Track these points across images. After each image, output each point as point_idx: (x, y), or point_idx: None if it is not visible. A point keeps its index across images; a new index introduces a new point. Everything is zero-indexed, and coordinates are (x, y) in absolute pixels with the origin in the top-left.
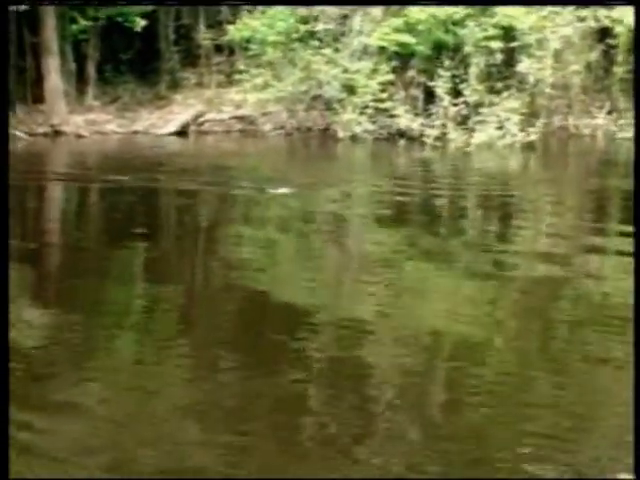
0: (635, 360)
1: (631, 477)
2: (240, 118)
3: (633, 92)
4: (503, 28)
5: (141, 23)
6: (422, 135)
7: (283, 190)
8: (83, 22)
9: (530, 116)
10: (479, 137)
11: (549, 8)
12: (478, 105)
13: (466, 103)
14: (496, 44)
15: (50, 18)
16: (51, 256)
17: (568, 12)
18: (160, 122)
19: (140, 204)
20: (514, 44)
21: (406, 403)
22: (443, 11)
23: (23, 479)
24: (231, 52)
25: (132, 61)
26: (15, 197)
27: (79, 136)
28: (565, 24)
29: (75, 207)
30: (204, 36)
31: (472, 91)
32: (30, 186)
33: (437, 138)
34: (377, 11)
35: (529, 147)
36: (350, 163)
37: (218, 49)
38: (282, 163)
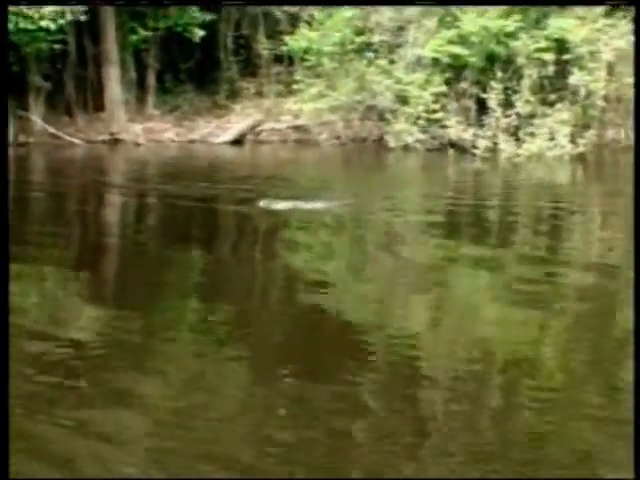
0: (635, 360)
1: (631, 477)
2: (296, 128)
3: (634, 95)
4: (555, 40)
5: (200, 34)
6: (473, 146)
7: (335, 202)
8: (143, 32)
9: (581, 128)
10: (529, 148)
11: (603, 21)
12: (530, 116)
13: (518, 114)
14: (548, 56)
15: (110, 28)
16: (111, 261)
17: (623, 24)
18: (217, 131)
19: (195, 213)
20: (566, 56)
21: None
22: (495, 23)
23: (23, 479)
24: (290, 62)
25: (192, 71)
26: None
27: (136, 144)
28: (619, 37)
29: (129, 214)
30: (263, 46)
31: (524, 102)
32: (77, 193)
33: (488, 149)
34: (431, 23)
35: (578, 159)
36: (401, 173)
37: (278, 59)
38: (336, 172)
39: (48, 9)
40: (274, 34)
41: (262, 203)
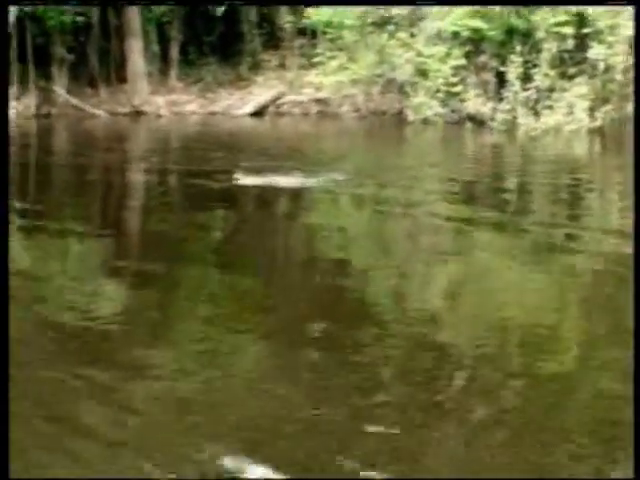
0: (635, 360)
1: (631, 477)
2: (318, 100)
3: (633, 91)
4: (575, 14)
5: (222, 7)
6: (491, 119)
7: (323, 178)
8: (166, 5)
9: (600, 102)
10: (547, 122)
11: None
12: (549, 90)
13: (537, 88)
14: (568, 30)
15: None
16: (134, 230)
17: None
18: (239, 103)
19: (214, 187)
20: (586, 30)
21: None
22: None
23: (23, 479)
24: (313, 35)
25: (215, 43)
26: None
27: (158, 116)
28: None
29: (146, 185)
30: (285, 19)
31: (543, 76)
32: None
33: (506, 122)
34: None
35: (596, 132)
36: (417, 147)
37: (301, 32)
38: (350, 145)
39: None
40: (297, 7)
41: (237, 176)
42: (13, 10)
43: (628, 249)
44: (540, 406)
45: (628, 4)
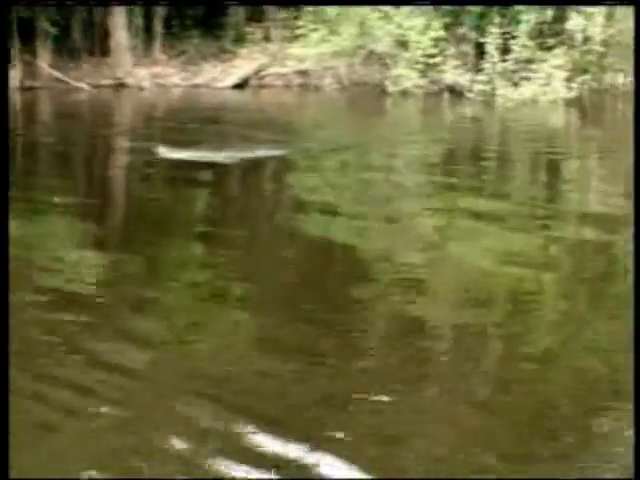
0: (635, 360)
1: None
2: (300, 73)
3: (633, 89)
4: None
5: None
6: (470, 90)
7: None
8: None
9: (578, 73)
10: (524, 93)
11: None
12: (527, 62)
13: (515, 59)
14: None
15: None
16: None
17: None
18: (222, 75)
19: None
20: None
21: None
22: None
23: (23, 479)
24: (297, 8)
25: (198, 16)
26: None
27: (140, 88)
28: None
29: (134, 159)
30: None
31: (521, 47)
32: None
33: (484, 93)
34: None
35: (573, 103)
36: (399, 116)
37: (284, 3)
38: (334, 115)
39: None
40: None
41: (161, 150)
42: None
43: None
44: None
45: (628, 4)
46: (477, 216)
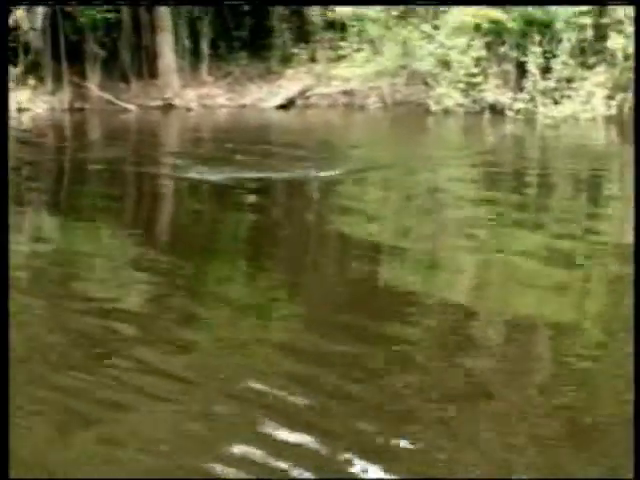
0: (635, 360)
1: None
2: (344, 92)
3: (633, 91)
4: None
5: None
6: (511, 108)
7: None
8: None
9: (618, 91)
10: (564, 110)
11: None
12: (568, 80)
13: (556, 78)
14: (587, 20)
15: None
16: (168, 217)
17: None
18: (267, 96)
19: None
20: (605, 20)
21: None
22: None
23: (23, 479)
24: (342, 29)
25: (245, 38)
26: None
27: (187, 109)
28: None
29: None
30: (314, 13)
31: (562, 66)
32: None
33: (525, 111)
34: None
35: (613, 121)
36: (442, 136)
37: (330, 26)
38: (381, 136)
39: None
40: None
41: (206, 170)
42: (42, 8)
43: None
44: None
45: (628, 4)
46: (521, 250)
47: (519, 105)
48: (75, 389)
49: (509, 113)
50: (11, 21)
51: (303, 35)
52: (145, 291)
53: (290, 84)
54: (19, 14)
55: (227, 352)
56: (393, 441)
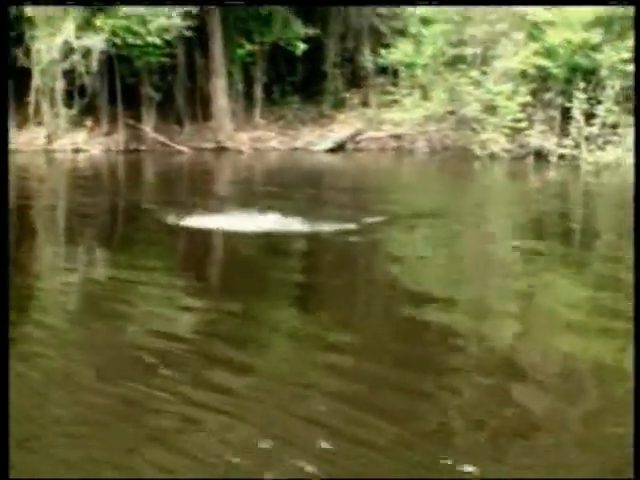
0: (635, 360)
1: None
2: (394, 136)
3: (634, 94)
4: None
5: (301, 47)
6: (556, 154)
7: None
8: (249, 46)
9: None
10: (607, 156)
11: None
12: (612, 126)
13: (600, 124)
14: (630, 67)
15: (218, 43)
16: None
17: None
18: (318, 139)
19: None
20: None
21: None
22: (578, 36)
23: (23, 479)
24: (394, 74)
25: (297, 83)
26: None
27: (239, 151)
28: None
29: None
30: (366, 59)
31: (607, 112)
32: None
33: (570, 157)
34: (520, 36)
35: None
36: (488, 182)
37: (383, 71)
38: (428, 182)
39: (154, 25)
40: (378, 47)
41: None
42: (98, 52)
43: None
44: None
45: (628, 4)
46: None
47: (564, 151)
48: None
49: (553, 159)
50: (67, 64)
51: (355, 80)
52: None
53: (341, 128)
54: (75, 58)
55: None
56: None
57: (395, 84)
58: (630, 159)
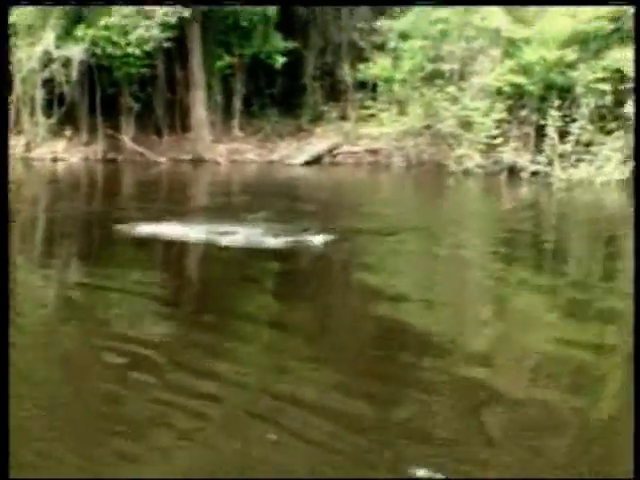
0: (635, 361)
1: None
2: (370, 151)
3: (633, 98)
4: (615, 71)
5: (281, 60)
6: (529, 171)
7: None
8: (228, 58)
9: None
10: (579, 174)
11: None
12: (586, 144)
13: (574, 142)
14: (606, 86)
15: (197, 55)
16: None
17: None
18: (296, 152)
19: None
20: (624, 86)
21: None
22: (554, 54)
23: (23, 479)
24: (373, 88)
25: (276, 95)
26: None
27: (216, 163)
28: None
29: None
30: (344, 73)
31: (581, 130)
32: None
33: (543, 174)
34: (497, 52)
35: (625, 185)
36: (461, 198)
37: (362, 85)
38: (403, 196)
39: (133, 36)
40: (357, 62)
41: (120, 226)
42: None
43: None
44: None
45: (628, 4)
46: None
47: (537, 167)
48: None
49: (525, 175)
50: (47, 73)
51: (335, 94)
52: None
53: (319, 141)
54: (54, 67)
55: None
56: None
57: (374, 98)
58: (602, 177)
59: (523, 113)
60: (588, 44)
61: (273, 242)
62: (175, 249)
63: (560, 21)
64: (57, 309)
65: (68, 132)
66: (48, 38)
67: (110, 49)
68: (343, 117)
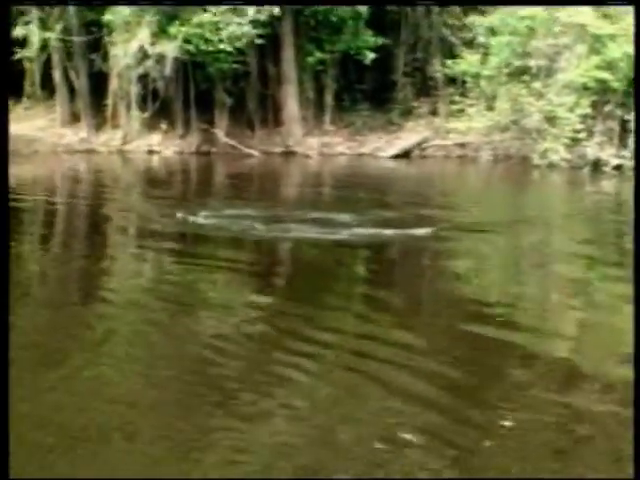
0: (635, 361)
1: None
2: (459, 145)
3: (633, 97)
4: None
5: (370, 56)
6: (613, 165)
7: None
8: (319, 55)
9: None
10: None
11: None
12: None
13: None
14: None
15: (289, 51)
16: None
17: None
18: (385, 146)
19: None
20: None
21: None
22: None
23: (23, 479)
24: (463, 84)
25: (367, 91)
26: None
27: (307, 156)
28: None
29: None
30: (434, 69)
31: None
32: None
33: (627, 169)
34: (582, 48)
35: None
36: (548, 192)
37: (452, 81)
38: (490, 190)
39: (225, 33)
40: (447, 58)
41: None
42: (171, 59)
43: None
44: None
45: (628, 4)
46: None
47: (620, 161)
48: None
49: (607, 169)
50: (141, 69)
51: (425, 89)
52: None
53: (409, 135)
54: (149, 64)
55: None
56: None
57: (463, 94)
58: None
59: (607, 108)
60: None
61: (385, 233)
62: (288, 242)
63: (584, 3)
64: (164, 283)
65: (164, 125)
66: (143, 35)
67: (203, 46)
68: (433, 112)
